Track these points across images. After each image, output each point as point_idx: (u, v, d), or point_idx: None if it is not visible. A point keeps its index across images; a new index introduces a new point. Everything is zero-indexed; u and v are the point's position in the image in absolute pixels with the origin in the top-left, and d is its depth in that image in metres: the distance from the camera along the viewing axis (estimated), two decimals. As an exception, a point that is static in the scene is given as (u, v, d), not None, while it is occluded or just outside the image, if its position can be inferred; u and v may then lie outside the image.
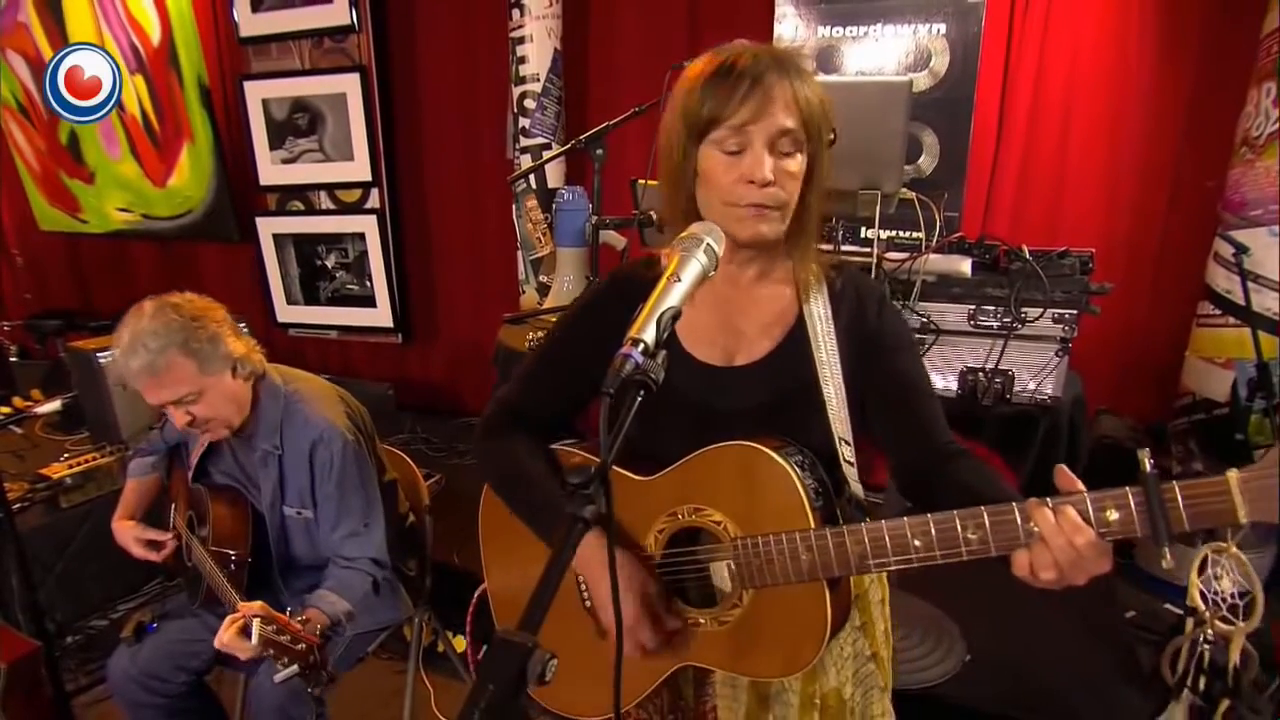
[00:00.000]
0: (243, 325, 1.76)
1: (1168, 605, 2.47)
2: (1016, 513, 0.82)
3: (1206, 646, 1.86)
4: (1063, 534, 0.78)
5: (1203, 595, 1.85)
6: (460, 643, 2.47)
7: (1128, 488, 0.77)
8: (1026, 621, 2.35)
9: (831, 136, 0.99)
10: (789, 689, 1.12)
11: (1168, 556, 0.75)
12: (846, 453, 1.02)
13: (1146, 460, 0.76)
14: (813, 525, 0.93)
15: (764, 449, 0.95)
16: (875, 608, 1.17)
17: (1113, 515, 0.78)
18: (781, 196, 0.96)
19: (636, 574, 1.01)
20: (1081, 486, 0.80)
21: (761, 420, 1.00)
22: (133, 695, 1.70)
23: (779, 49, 0.98)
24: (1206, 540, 1.85)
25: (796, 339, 1.04)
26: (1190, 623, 1.90)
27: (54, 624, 2.12)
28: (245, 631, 1.38)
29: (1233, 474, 0.72)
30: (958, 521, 0.84)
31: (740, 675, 1.07)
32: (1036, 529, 0.80)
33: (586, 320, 1.14)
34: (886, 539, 0.88)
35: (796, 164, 0.96)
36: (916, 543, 0.86)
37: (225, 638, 1.41)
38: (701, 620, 1.03)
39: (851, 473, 1.03)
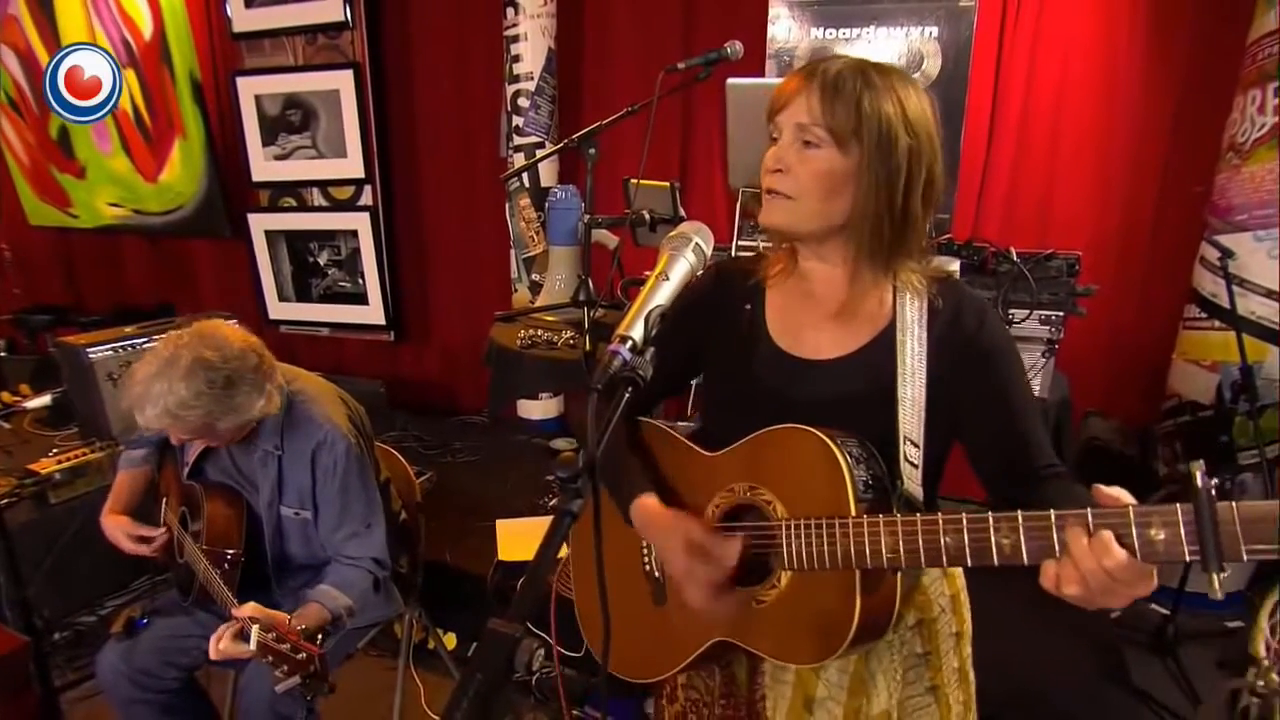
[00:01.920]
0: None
1: (1153, 606, 2.50)
2: (1053, 521, 0.76)
3: (1255, 700, 1.71)
4: (1092, 556, 0.72)
5: (1266, 644, 1.75)
6: (450, 640, 2.48)
7: (1178, 505, 0.69)
8: (1013, 622, 2.36)
9: (906, 147, 0.97)
10: (834, 699, 1.10)
11: (1216, 587, 0.66)
12: (910, 453, 1.01)
13: (1199, 474, 0.66)
14: (853, 515, 0.92)
15: (820, 435, 0.96)
16: (946, 640, 1.13)
17: (1158, 535, 0.70)
18: (789, 185, 0.99)
19: (683, 527, 1.01)
20: (1128, 500, 0.73)
21: (831, 415, 1.00)
22: (122, 691, 1.70)
23: (856, 60, 1.00)
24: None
25: (882, 342, 1.04)
26: (1251, 671, 1.78)
27: (42, 620, 2.11)
28: (243, 636, 1.38)
29: None
30: (991, 523, 0.79)
31: (762, 655, 1.08)
32: (1068, 542, 0.75)
33: (687, 307, 1.13)
34: (919, 533, 0.86)
35: (819, 159, 0.97)
36: (947, 540, 0.83)
37: (222, 645, 1.41)
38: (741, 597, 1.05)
39: (911, 472, 1.01)
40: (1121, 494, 0.75)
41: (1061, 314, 1.93)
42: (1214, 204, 2.57)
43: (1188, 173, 2.76)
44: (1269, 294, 2.40)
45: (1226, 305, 2.30)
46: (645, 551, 1.17)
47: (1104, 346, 2.96)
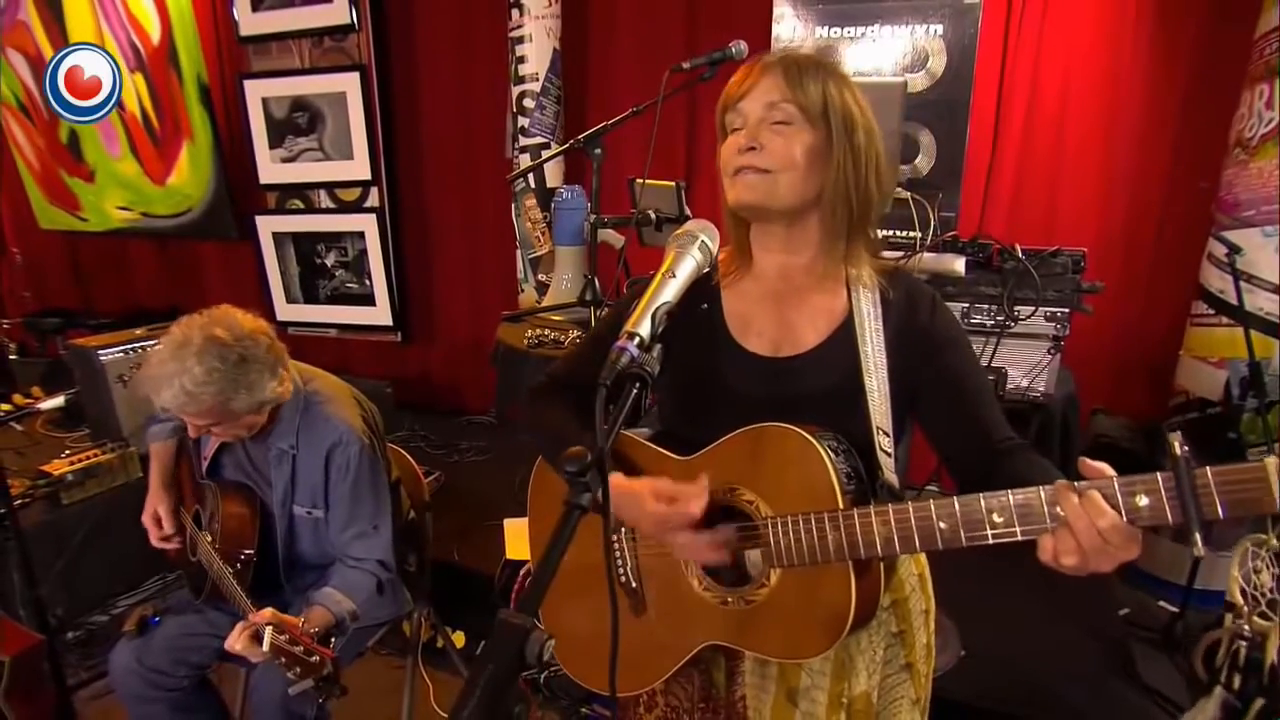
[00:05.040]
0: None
1: (1161, 603, 2.50)
2: (1042, 495, 0.80)
3: (1243, 643, 1.81)
4: (1086, 517, 0.76)
5: (1242, 591, 1.82)
6: (459, 638, 2.49)
7: (1159, 473, 0.74)
8: (1021, 618, 2.37)
9: (862, 133, 1.03)
10: (818, 686, 1.11)
11: (1199, 545, 0.71)
12: (884, 442, 1.03)
13: (1178, 444, 0.72)
14: (841, 507, 0.94)
15: (799, 431, 0.97)
16: (917, 618, 1.16)
17: (1142, 501, 0.75)
18: (765, 159, 1.00)
19: (648, 482, 1.00)
20: (1111, 472, 0.78)
21: (802, 410, 1.01)
22: (135, 689, 1.71)
23: (804, 52, 1.05)
24: (1249, 533, 1.82)
25: (844, 334, 1.06)
26: (1229, 618, 1.86)
27: (55, 619, 2.13)
28: (257, 638, 1.39)
29: (1271, 460, 0.69)
30: (983, 503, 0.83)
31: (760, 655, 1.08)
32: (1062, 513, 0.79)
33: None
34: (912, 520, 0.88)
35: (792, 134, 1.00)
36: (942, 525, 0.86)
37: (238, 645, 1.42)
38: (729, 599, 1.05)
39: (888, 461, 1.04)
40: (1105, 467, 0.79)
41: (1067, 311, 1.93)
42: (1221, 199, 2.56)
43: (1194, 168, 2.75)
44: (1276, 290, 2.39)
45: (1234, 301, 2.29)
46: (619, 562, 1.15)
47: (1111, 343, 2.95)
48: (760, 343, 1.10)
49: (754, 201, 1.03)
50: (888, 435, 1.04)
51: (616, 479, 1.02)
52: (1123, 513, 0.76)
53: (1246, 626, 1.80)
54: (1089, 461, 0.79)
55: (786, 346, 1.08)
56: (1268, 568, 1.79)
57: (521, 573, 1.52)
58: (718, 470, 1.04)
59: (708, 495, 0.97)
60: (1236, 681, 1.82)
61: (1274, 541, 1.77)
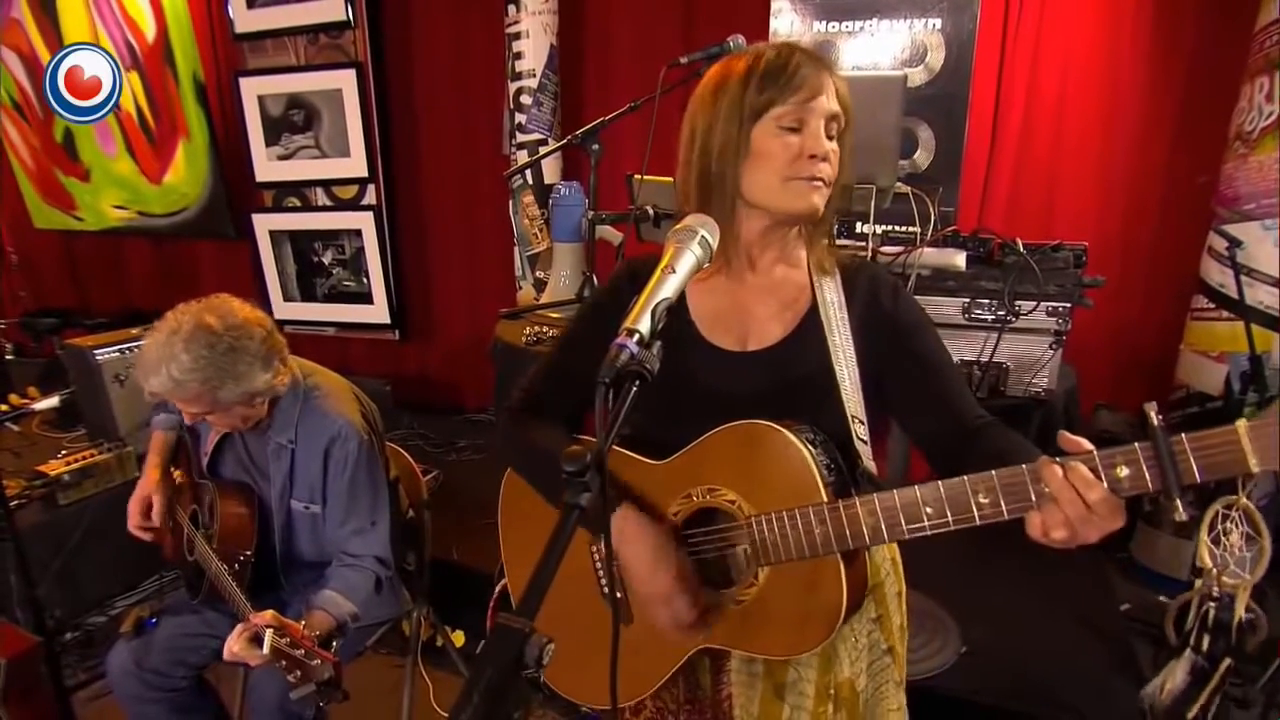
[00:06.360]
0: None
1: (1162, 598, 2.49)
2: (1026, 473, 0.81)
3: (1211, 604, 1.84)
4: (1072, 489, 0.78)
5: (1211, 553, 1.85)
6: (459, 637, 2.48)
7: (1137, 443, 0.76)
8: (1022, 614, 2.36)
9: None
10: (804, 679, 1.11)
11: (1179, 509, 0.74)
12: (860, 431, 1.03)
13: (1154, 414, 0.75)
14: (825, 500, 0.94)
15: (775, 426, 0.96)
16: (892, 600, 1.17)
17: (1123, 471, 0.77)
18: (832, 173, 1.02)
19: (671, 547, 1.01)
20: (1089, 446, 0.80)
21: (775, 404, 1.01)
22: (132, 691, 1.70)
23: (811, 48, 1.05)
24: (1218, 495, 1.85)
25: (810, 325, 1.06)
26: (1198, 581, 1.89)
27: (53, 620, 2.12)
28: (256, 640, 1.38)
29: (1242, 423, 0.71)
30: (968, 486, 0.84)
31: (756, 655, 1.08)
32: (1047, 489, 0.80)
33: (605, 307, 1.13)
34: (898, 507, 0.88)
35: (835, 147, 1.02)
36: (928, 509, 0.86)
37: (235, 648, 1.41)
38: (718, 601, 1.04)
39: (865, 450, 1.04)
40: (1083, 441, 0.80)
41: (1068, 305, 1.92)
42: (1221, 193, 2.55)
43: (1193, 162, 2.75)
44: (1276, 283, 2.39)
45: (1235, 295, 2.29)
46: (599, 571, 1.13)
47: (1111, 338, 2.95)
48: (728, 338, 1.09)
49: (820, 211, 1.03)
50: (862, 423, 1.04)
51: (639, 519, 1.01)
52: (1105, 483, 0.78)
53: (1215, 587, 1.83)
54: (1068, 435, 0.81)
55: (754, 340, 1.08)
56: (1237, 527, 1.81)
57: (496, 589, 1.49)
58: (696, 470, 1.03)
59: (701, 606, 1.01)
60: (1205, 643, 1.85)
61: (1244, 500, 1.78)
